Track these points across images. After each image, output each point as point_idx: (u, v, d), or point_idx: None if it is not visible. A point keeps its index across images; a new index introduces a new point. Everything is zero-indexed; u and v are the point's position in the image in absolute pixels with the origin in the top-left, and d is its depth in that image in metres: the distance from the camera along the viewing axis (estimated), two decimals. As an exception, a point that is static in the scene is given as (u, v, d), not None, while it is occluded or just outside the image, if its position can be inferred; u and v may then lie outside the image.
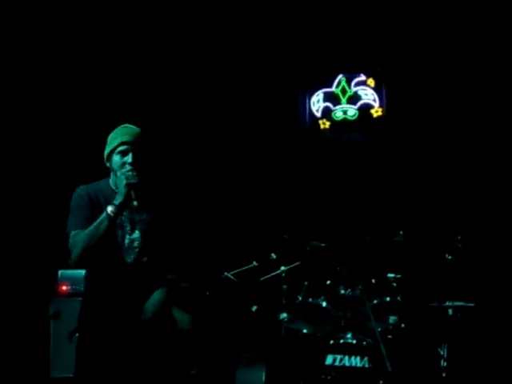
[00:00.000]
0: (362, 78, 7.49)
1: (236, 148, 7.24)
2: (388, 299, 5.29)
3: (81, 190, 3.23)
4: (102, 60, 6.90)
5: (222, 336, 5.70)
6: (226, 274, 5.40)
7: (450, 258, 5.54)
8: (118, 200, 3.06)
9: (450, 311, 5.43)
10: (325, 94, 7.57)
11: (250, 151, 7.22)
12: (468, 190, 6.61)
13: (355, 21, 7.10)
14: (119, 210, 3.06)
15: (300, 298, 5.26)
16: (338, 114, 7.50)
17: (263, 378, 5.16)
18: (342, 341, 5.06)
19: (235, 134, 7.27)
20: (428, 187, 6.74)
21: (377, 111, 7.41)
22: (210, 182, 7.10)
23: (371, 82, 7.45)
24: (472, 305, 5.43)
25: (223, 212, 6.94)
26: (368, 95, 7.46)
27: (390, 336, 5.16)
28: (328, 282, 5.32)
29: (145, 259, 3.25)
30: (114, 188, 3.23)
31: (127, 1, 6.74)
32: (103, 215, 3.04)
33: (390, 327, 5.24)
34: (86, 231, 3.05)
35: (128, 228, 3.23)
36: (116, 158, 3.18)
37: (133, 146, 3.17)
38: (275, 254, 5.47)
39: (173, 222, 3.36)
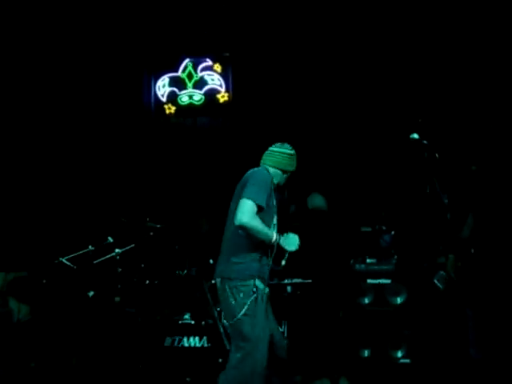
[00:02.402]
0: (209, 62, 7.53)
1: (78, 130, 7.04)
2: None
3: (270, 177, 3.69)
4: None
5: (59, 325, 5.50)
6: (61, 259, 5.20)
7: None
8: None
9: (289, 288, 5.58)
10: (171, 78, 7.53)
11: (92, 134, 7.04)
12: (304, 172, 6.78)
13: (202, 5, 7.10)
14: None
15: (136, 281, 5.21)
16: (184, 98, 7.48)
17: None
18: (180, 322, 5.06)
19: (78, 117, 7.06)
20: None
21: (223, 96, 7.47)
22: (50, 165, 6.87)
23: (218, 67, 7.51)
24: (310, 281, 5.61)
25: (58, 196, 6.73)
26: (214, 80, 7.50)
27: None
28: (164, 263, 5.30)
29: None
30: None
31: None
32: (275, 237, 3.60)
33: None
34: (262, 233, 3.55)
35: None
36: (285, 176, 3.86)
37: None
38: (112, 237, 5.36)
39: None
